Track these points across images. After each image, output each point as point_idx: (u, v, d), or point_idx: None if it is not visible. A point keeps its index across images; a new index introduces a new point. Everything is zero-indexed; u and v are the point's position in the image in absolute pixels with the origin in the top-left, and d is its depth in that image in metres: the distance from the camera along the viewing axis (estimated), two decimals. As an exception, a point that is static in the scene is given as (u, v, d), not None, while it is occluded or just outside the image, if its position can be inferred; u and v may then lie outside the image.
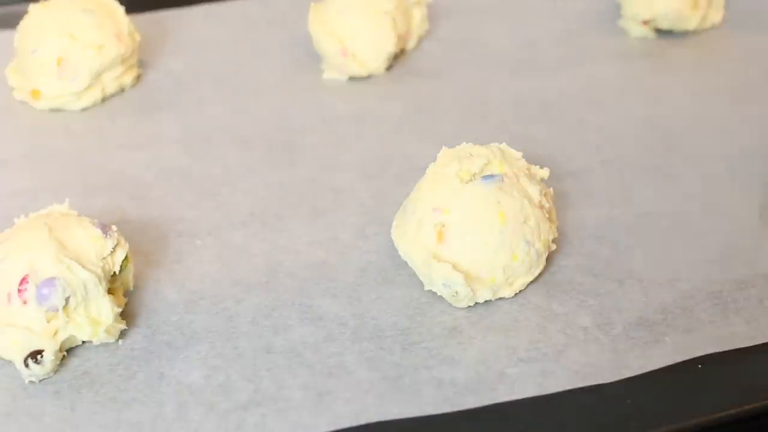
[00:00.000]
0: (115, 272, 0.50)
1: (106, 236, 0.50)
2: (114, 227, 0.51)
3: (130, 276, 0.52)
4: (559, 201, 0.58)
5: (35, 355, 0.47)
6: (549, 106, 0.69)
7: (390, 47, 0.72)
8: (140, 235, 0.57)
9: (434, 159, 0.54)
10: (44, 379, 0.48)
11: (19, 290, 0.47)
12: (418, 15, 0.75)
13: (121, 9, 0.71)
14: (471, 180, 0.51)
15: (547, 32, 0.78)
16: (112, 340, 0.50)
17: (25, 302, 0.47)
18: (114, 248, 0.50)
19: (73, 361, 0.49)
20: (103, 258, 0.50)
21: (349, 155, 0.65)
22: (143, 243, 0.57)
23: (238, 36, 0.79)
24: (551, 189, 0.54)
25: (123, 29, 0.70)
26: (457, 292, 0.50)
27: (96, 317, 0.49)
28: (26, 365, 0.47)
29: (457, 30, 0.79)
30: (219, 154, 0.65)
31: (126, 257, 0.51)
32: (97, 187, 0.62)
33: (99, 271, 0.49)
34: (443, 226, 0.50)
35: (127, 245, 0.51)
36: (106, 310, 0.49)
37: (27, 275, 0.47)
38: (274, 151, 0.65)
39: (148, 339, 0.50)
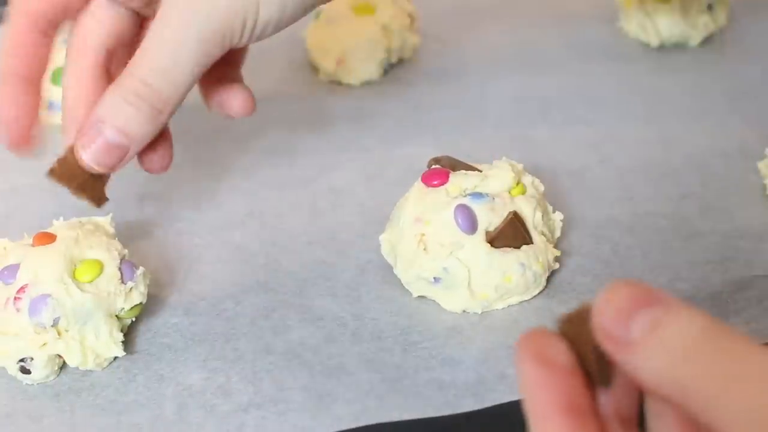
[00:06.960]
0: (117, 315, 0.49)
1: (123, 282, 0.48)
2: (140, 272, 0.49)
3: (133, 317, 0.50)
4: (559, 201, 0.58)
5: (26, 361, 0.47)
6: (548, 105, 0.69)
7: (379, 56, 0.71)
8: (139, 235, 0.57)
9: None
10: (43, 382, 0.48)
11: (16, 298, 0.46)
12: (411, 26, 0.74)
13: None
14: (459, 196, 0.50)
15: (547, 32, 0.78)
16: (101, 368, 0.49)
17: (18, 310, 0.46)
18: (131, 290, 0.49)
19: (73, 364, 0.49)
20: (111, 293, 0.48)
21: (348, 155, 0.64)
22: (142, 242, 0.56)
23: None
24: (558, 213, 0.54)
25: None
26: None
27: (92, 345, 0.48)
28: (21, 370, 0.47)
29: (457, 31, 0.78)
30: (218, 153, 0.65)
31: (139, 305, 0.49)
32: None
33: (104, 300, 0.47)
34: (423, 235, 0.50)
35: (146, 296, 0.50)
36: (104, 341, 0.48)
37: (26, 285, 0.47)
38: (273, 150, 0.65)
39: (147, 341, 0.50)
